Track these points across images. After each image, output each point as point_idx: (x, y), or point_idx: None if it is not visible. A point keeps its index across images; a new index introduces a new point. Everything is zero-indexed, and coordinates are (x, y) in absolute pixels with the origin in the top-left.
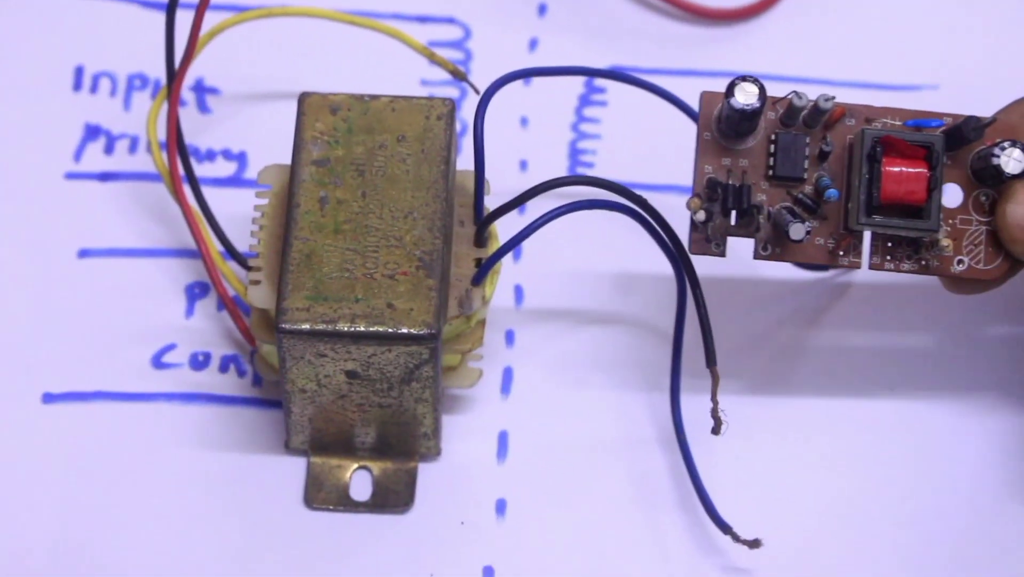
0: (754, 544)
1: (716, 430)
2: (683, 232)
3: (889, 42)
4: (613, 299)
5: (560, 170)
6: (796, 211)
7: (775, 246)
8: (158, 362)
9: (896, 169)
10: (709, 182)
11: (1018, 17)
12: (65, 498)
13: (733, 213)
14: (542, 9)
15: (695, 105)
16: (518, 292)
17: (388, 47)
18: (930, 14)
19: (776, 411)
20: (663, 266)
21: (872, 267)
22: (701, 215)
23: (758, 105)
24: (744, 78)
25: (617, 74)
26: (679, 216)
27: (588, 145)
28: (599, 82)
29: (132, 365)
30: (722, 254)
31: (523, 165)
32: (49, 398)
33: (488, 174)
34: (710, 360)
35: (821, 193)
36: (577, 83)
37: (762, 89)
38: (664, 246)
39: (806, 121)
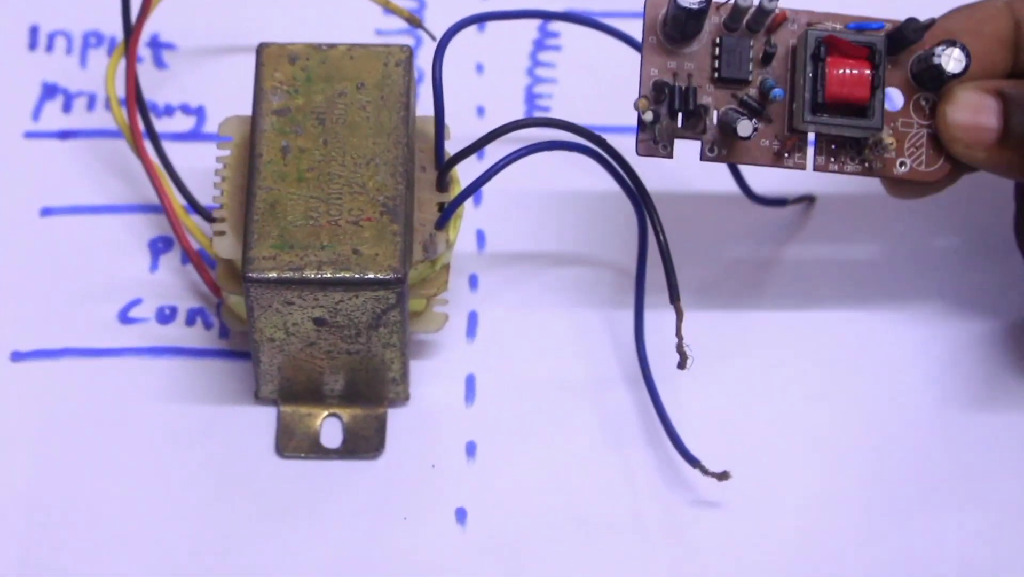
0: (722, 476)
1: (682, 365)
2: (642, 169)
3: None
4: (574, 240)
5: (517, 115)
6: (742, 112)
7: (722, 147)
8: (125, 317)
9: (840, 69)
10: (655, 84)
11: None
12: (37, 455)
13: (680, 115)
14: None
15: None
16: (480, 237)
17: None
18: None
19: (736, 338)
20: (623, 205)
21: (817, 168)
22: (649, 115)
23: (704, 3)
24: None
25: (573, 16)
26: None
27: (544, 89)
28: (552, 26)
29: (99, 321)
30: (670, 155)
31: (480, 111)
32: (17, 356)
33: (446, 121)
34: (673, 296)
35: (766, 95)
36: (531, 28)
37: None
38: (624, 184)
39: (749, 25)
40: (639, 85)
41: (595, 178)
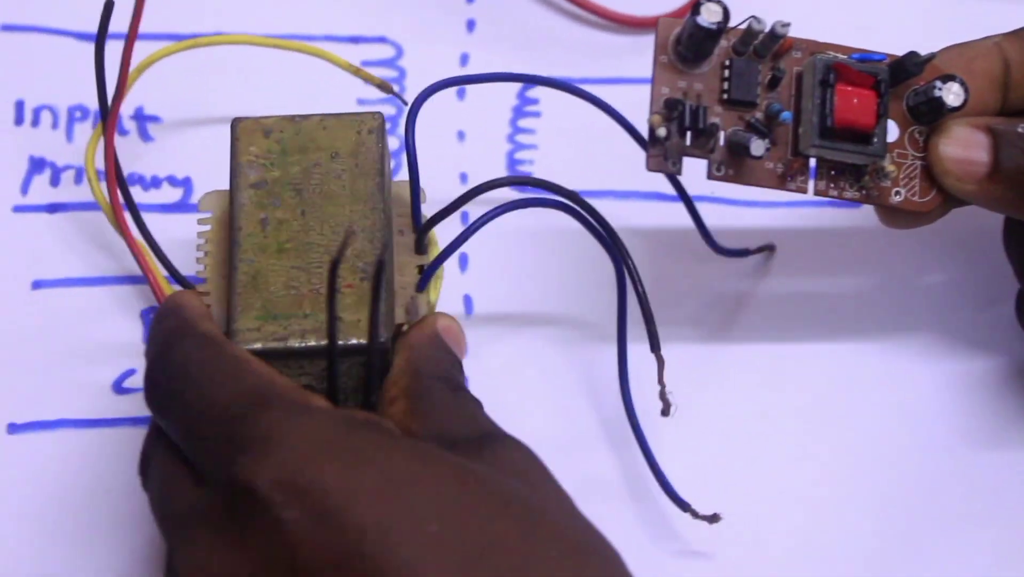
0: (713, 519)
1: (666, 412)
2: (617, 221)
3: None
4: (555, 298)
5: None
6: (752, 133)
7: (728, 167)
8: (119, 387)
9: (849, 95)
10: (668, 102)
11: None
12: (36, 526)
13: (689, 133)
14: (471, 24)
15: (624, 111)
16: (467, 301)
17: (323, 68)
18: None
19: (718, 381)
20: (600, 260)
21: (817, 192)
22: (663, 131)
23: (722, 23)
24: None
25: (543, 79)
26: (615, 217)
27: (525, 155)
28: (531, 92)
29: (94, 392)
30: (678, 172)
31: (463, 177)
32: (14, 428)
33: (429, 187)
34: (654, 345)
35: (772, 118)
36: (510, 95)
37: (726, 10)
38: (600, 237)
39: (757, 50)
40: (650, 102)
41: (571, 236)
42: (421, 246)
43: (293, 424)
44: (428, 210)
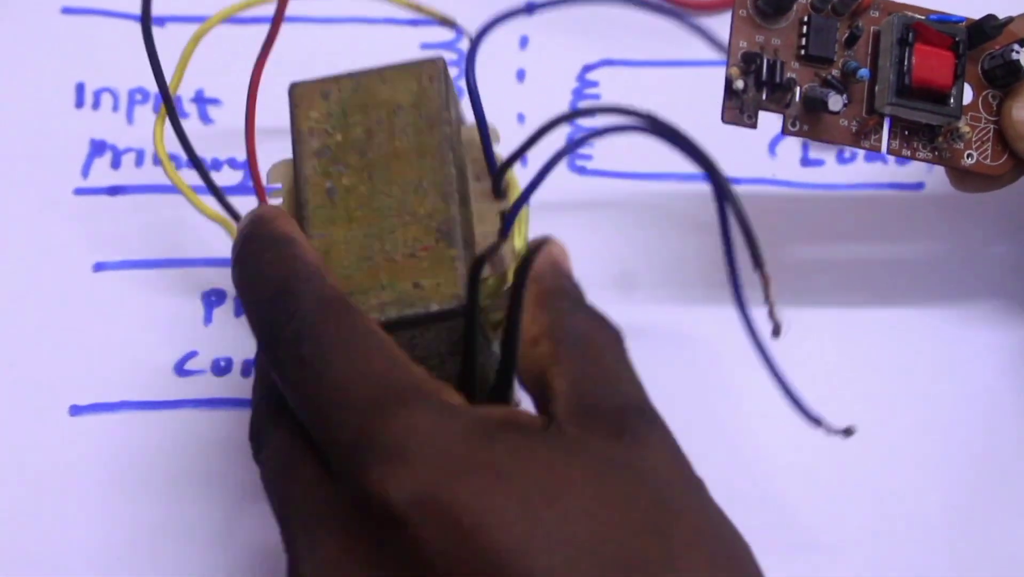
0: (848, 432)
1: (776, 332)
2: (680, 203)
3: None
4: (648, 226)
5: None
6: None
7: (803, 123)
8: (181, 370)
9: (927, 54)
10: (745, 55)
11: None
12: (98, 508)
13: (766, 87)
14: (530, 7)
15: (685, 94)
16: None
17: (383, 39)
18: None
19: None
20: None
21: (890, 152)
22: (740, 83)
23: None
24: None
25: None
26: (678, 199)
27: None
28: (592, 75)
29: (156, 374)
30: (753, 126)
31: (524, 161)
32: (76, 410)
33: (493, 124)
34: (757, 263)
35: (848, 76)
36: (570, 77)
37: None
38: (689, 152)
39: (835, 7)
40: (728, 55)
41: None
42: (499, 190)
43: (431, 431)
44: (500, 150)
